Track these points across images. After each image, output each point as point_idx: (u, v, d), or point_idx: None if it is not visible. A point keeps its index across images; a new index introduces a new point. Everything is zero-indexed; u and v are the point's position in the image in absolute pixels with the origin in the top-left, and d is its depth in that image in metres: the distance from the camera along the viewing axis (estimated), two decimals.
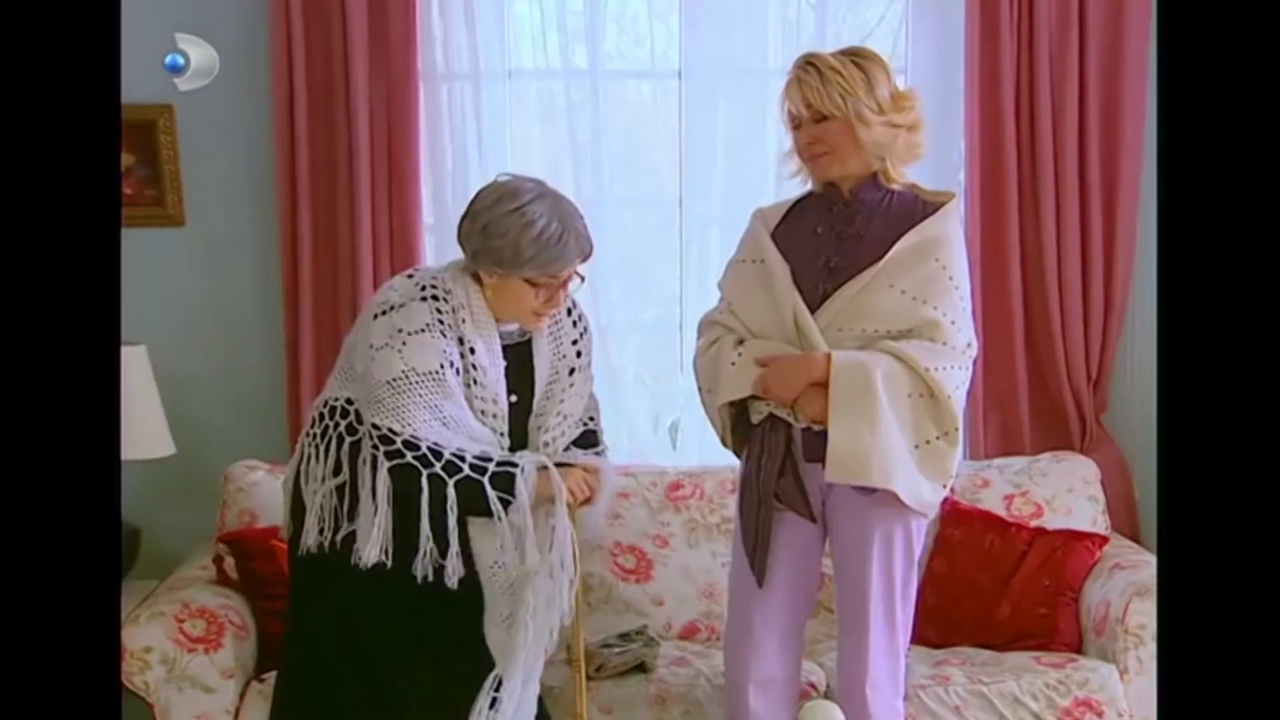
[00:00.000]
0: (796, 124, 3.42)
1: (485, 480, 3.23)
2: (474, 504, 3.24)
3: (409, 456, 3.22)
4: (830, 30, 4.71)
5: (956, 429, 3.32)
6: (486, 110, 4.60)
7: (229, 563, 3.94)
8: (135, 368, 4.26)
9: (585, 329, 3.54)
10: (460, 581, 3.28)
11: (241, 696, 3.73)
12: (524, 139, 4.71)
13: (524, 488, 3.24)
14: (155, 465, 4.34)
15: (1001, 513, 4.31)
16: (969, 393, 4.56)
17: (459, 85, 4.60)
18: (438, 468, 3.22)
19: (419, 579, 3.24)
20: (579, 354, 3.50)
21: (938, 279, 3.33)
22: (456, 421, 3.26)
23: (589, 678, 3.78)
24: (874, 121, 3.34)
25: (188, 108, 4.60)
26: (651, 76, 4.87)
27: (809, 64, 3.38)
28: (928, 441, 3.31)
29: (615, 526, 4.27)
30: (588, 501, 3.42)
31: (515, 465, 3.26)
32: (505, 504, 3.24)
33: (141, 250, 4.59)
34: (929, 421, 3.30)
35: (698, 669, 3.91)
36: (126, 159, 4.62)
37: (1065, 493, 4.37)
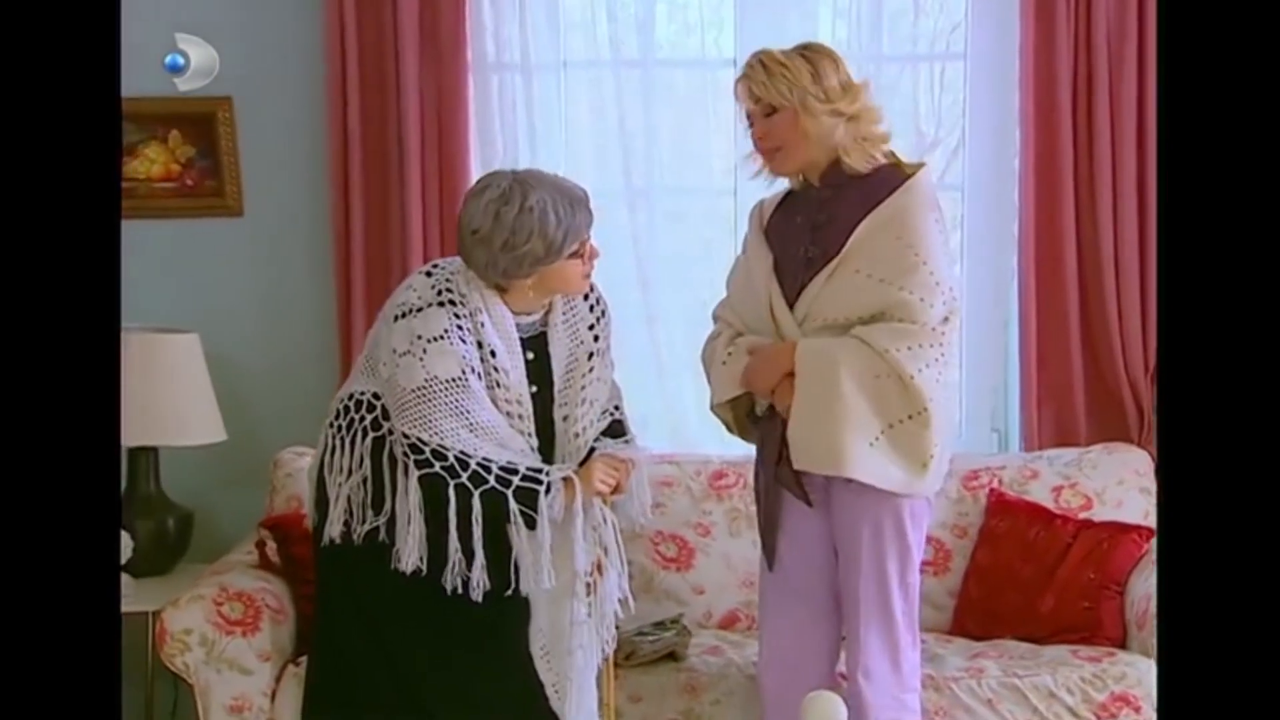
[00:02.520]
0: (751, 120, 3.46)
1: (509, 493, 3.26)
2: (498, 517, 3.26)
3: (437, 466, 3.26)
4: (885, 17, 4.67)
5: (925, 409, 3.27)
6: (537, 101, 4.62)
7: (271, 547, 4.01)
8: (188, 355, 4.36)
9: (603, 312, 3.54)
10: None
11: (278, 679, 3.78)
12: (575, 129, 4.72)
13: (545, 506, 3.27)
14: (208, 451, 4.43)
15: (1049, 504, 4.25)
16: (1023, 382, 4.59)
17: (509, 76, 4.62)
18: (464, 478, 3.25)
19: (448, 590, 3.28)
20: (596, 338, 3.51)
21: (902, 257, 3.31)
22: (484, 427, 3.29)
23: (618, 665, 3.80)
24: (819, 111, 3.36)
25: (246, 100, 4.68)
26: (703, 66, 4.86)
27: (758, 60, 3.42)
28: (900, 422, 3.28)
29: (656, 515, 4.25)
30: (616, 491, 3.44)
31: (540, 481, 3.28)
32: (527, 518, 3.26)
33: (202, 240, 4.72)
34: (898, 403, 3.28)
35: (729, 658, 3.91)
36: (187, 151, 4.73)
37: (1116, 485, 4.30)
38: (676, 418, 4.68)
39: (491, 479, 3.25)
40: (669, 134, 4.73)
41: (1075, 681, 3.75)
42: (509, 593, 3.31)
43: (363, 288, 4.58)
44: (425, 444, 3.25)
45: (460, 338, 3.29)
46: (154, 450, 4.38)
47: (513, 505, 3.25)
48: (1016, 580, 4.11)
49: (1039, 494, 4.29)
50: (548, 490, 3.27)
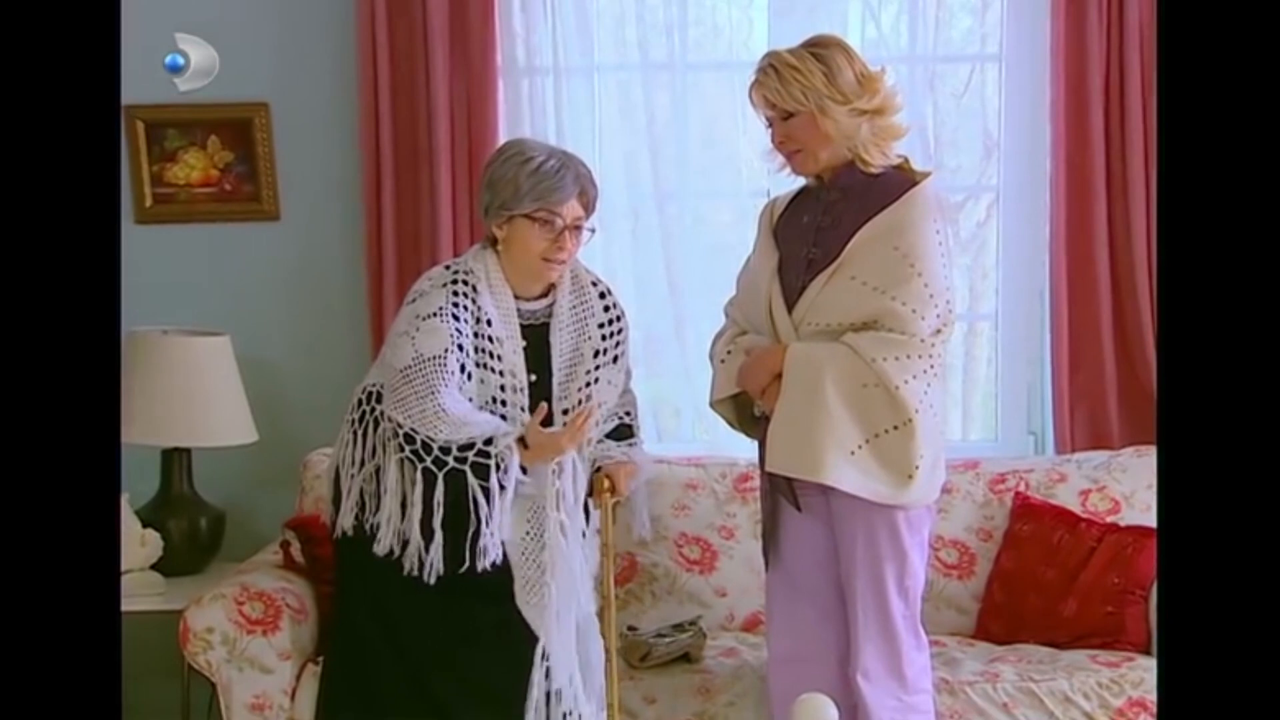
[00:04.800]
0: (769, 123, 3.45)
1: (467, 469, 3.32)
2: (461, 496, 3.33)
3: (407, 450, 3.35)
4: (918, 18, 4.65)
5: (910, 420, 3.27)
6: (567, 104, 4.63)
7: (295, 547, 4.05)
8: (219, 357, 4.42)
9: (618, 317, 3.57)
10: (493, 566, 3.35)
11: (298, 678, 3.82)
12: (604, 133, 4.72)
13: (496, 476, 3.32)
14: (240, 451, 4.49)
15: (1076, 508, 4.21)
16: (1055, 385, 4.55)
17: (539, 80, 4.64)
18: (428, 462, 3.33)
19: (404, 571, 3.37)
20: (604, 338, 3.54)
21: (897, 267, 3.30)
22: (449, 409, 3.34)
23: (634, 666, 3.82)
24: (838, 112, 3.34)
25: (282, 105, 4.74)
26: (732, 68, 4.84)
27: (769, 64, 3.40)
28: (885, 432, 3.28)
29: (681, 517, 4.30)
30: (615, 493, 3.47)
31: (489, 454, 3.31)
32: (486, 491, 3.31)
33: (239, 243, 4.78)
34: (883, 413, 3.28)
35: (744, 660, 3.92)
36: (226, 156, 4.79)
37: (1145, 489, 4.23)
38: (706, 420, 4.67)
39: (451, 461, 3.32)
40: (698, 137, 4.74)
41: (1092, 686, 3.72)
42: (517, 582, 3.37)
43: (394, 291, 4.60)
44: (401, 426, 3.35)
45: (453, 314, 3.37)
46: (187, 451, 4.45)
47: (472, 481, 3.32)
48: (1040, 584, 4.08)
49: (1066, 497, 4.25)
50: (499, 466, 3.32)
